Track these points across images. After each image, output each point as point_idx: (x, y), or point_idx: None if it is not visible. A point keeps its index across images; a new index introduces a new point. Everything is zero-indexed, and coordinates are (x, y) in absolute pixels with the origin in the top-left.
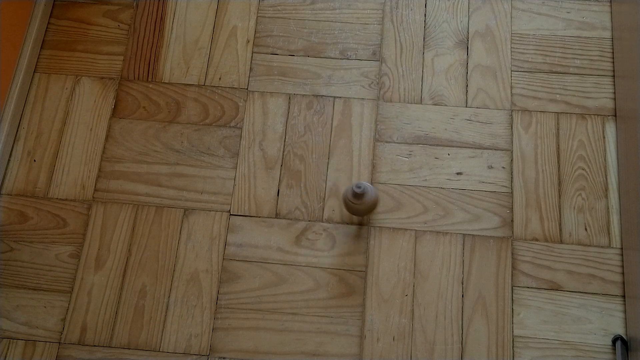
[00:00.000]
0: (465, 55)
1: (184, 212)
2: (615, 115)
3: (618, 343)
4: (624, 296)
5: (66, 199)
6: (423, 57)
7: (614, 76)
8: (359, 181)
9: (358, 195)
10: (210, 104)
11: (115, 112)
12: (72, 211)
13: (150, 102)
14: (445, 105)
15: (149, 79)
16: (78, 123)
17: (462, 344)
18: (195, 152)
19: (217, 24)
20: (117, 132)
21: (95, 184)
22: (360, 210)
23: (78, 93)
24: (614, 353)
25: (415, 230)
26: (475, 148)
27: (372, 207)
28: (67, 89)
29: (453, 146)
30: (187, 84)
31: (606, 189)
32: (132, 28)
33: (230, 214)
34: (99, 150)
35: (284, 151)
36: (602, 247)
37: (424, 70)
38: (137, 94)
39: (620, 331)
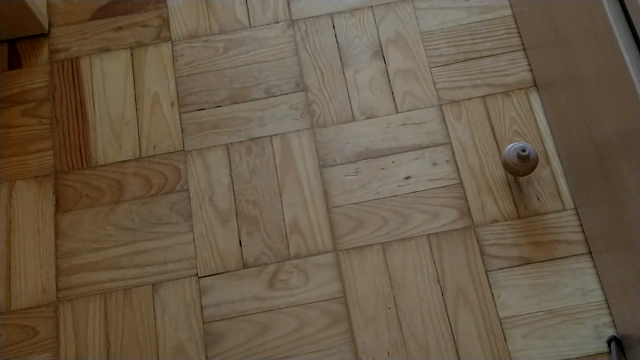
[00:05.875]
0: (384, 65)
1: (153, 287)
2: (536, 85)
3: (613, 344)
4: (590, 252)
5: (30, 307)
6: (344, 76)
7: (524, 49)
8: (522, 143)
9: (524, 158)
10: (151, 175)
11: (58, 208)
12: (39, 317)
13: (91, 189)
14: (378, 117)
15: (84, 166)
16: (23, 228)
17: (454, 340)
18: (149, 225)
19: (138, 94)
20: (65, 226)
21: (57, 284)
22: (526, 172)
23: (16, 198)
24: (610, 353)
25: (381, 243)
26: (416, 150)
27: (535, 166)
28: (3, 197)
29: (395, 153)
30: (124, 161)
31: (547, 156)
32: (55, 120)
33: (199, 277)
34: (51, 249)
35: (235, 201)
36: (557, 211)
37: (349, 88)
38: (76, 183)
39: (605, 311)
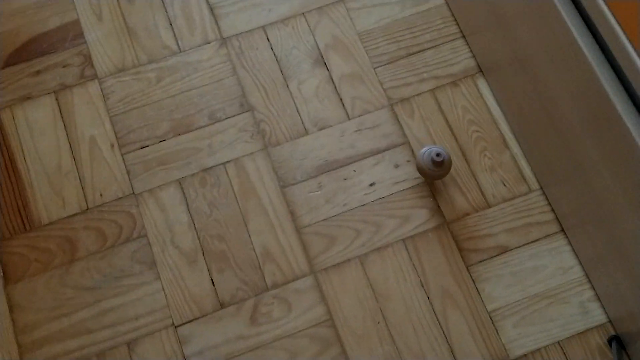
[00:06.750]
0: (327, 72)
1: (128, 346)
2: (482, 71)
3: (613, 343)
4: (562, 230)
5: None
6: (289, 89)
7: (464, 36)
8: (436, 148)
9: (438, 163)
10: (104, 225)
11: (7, 279)
12: None
13: (39, 252)
14: (330, 127)
15: (27, 228)
16: None
17: (448, 343)
18: (111, 280)
19: (73, 141)
20: (18, 298)
21: None
22: (441, 176)
23: None
24: (610, 349)
25: (358, 256)
26: (375, 154)
27: (449, 170)
28: None
29: (355, 161)
30: (70, 216)
31: (504, 140)
32: None
33: (176, 326)
34: (9, 326)
35: (199, 238)
36: (524, 194)
37: (296, 102)
38: (22, 249)
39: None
